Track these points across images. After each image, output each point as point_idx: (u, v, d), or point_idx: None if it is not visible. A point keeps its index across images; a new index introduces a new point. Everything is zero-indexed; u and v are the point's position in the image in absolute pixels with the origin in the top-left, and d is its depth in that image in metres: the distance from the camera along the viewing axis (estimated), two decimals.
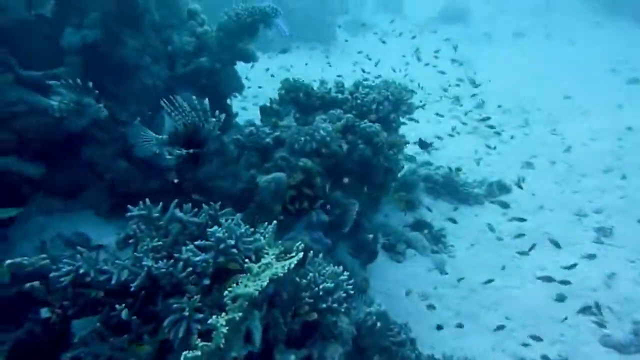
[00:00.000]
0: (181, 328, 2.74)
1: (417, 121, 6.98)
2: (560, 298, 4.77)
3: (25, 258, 2.71)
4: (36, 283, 2.66)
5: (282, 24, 5.92)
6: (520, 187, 6.62)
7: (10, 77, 4.07)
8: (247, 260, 2.94)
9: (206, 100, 3.06)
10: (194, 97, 3.16)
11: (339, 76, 6.56)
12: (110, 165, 4.71)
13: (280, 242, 3.88)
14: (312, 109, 5.23)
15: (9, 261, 2.63)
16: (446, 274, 5.12)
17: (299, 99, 5.24)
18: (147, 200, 3.36)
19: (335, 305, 3.18)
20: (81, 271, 2.80)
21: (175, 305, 2.84)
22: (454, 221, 5.99)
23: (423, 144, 6.03)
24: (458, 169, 6.93)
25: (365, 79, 5.40)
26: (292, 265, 3.03)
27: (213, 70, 5.26)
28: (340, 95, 5.24)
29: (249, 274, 2.85)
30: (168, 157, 3.06)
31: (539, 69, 15.64)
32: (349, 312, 4.09)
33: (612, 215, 6.16)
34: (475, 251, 5.60)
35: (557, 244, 5.59)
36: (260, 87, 9.32)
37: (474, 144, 8.91)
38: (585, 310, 4.50)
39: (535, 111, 11.30)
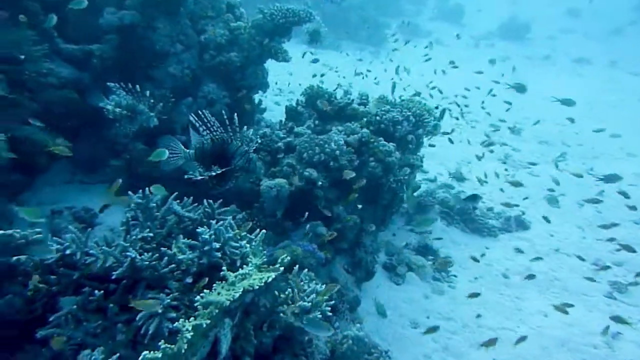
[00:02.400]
0: (152, 324, 2.81)
1: (451, 142, 6.85)
2: (557, 349, 4.57)
3: (17, 230, 2.82)
4: (23, 257, 2.76)
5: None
6: (548, 221, 6.26)
7: (43, 48, 4.24)
8: (223, 267, 2.96)
9: (235, 115, 3.09)
10: (222, 111, 3.19)
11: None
12: (129, 145, 4.85)
13: (269, 249, 3.91)
14: (331, 117, 5.20)
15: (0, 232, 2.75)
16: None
17: (319, 106, 5.22)
18: (146, 189, 3.44)
19: None
20: (68, 252, 2.90)
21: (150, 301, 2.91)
22: (462, 251, 5.85)
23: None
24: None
25: (382, 97, 5.27)
26: (270, 280, 3.04)
27: (241, 65, 5.31)
28: (361, 108, 5.18)
29: (224, 282, 2.87)
30: (196, 177, 3.09)
31: (594, 100, 14.87)
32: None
33: (633, 270, 5.82)
34: (477, 285, 5.44)
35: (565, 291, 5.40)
36: (300, 85, 9.32)
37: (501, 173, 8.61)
38: None
39: (576, 146, 10.80)
